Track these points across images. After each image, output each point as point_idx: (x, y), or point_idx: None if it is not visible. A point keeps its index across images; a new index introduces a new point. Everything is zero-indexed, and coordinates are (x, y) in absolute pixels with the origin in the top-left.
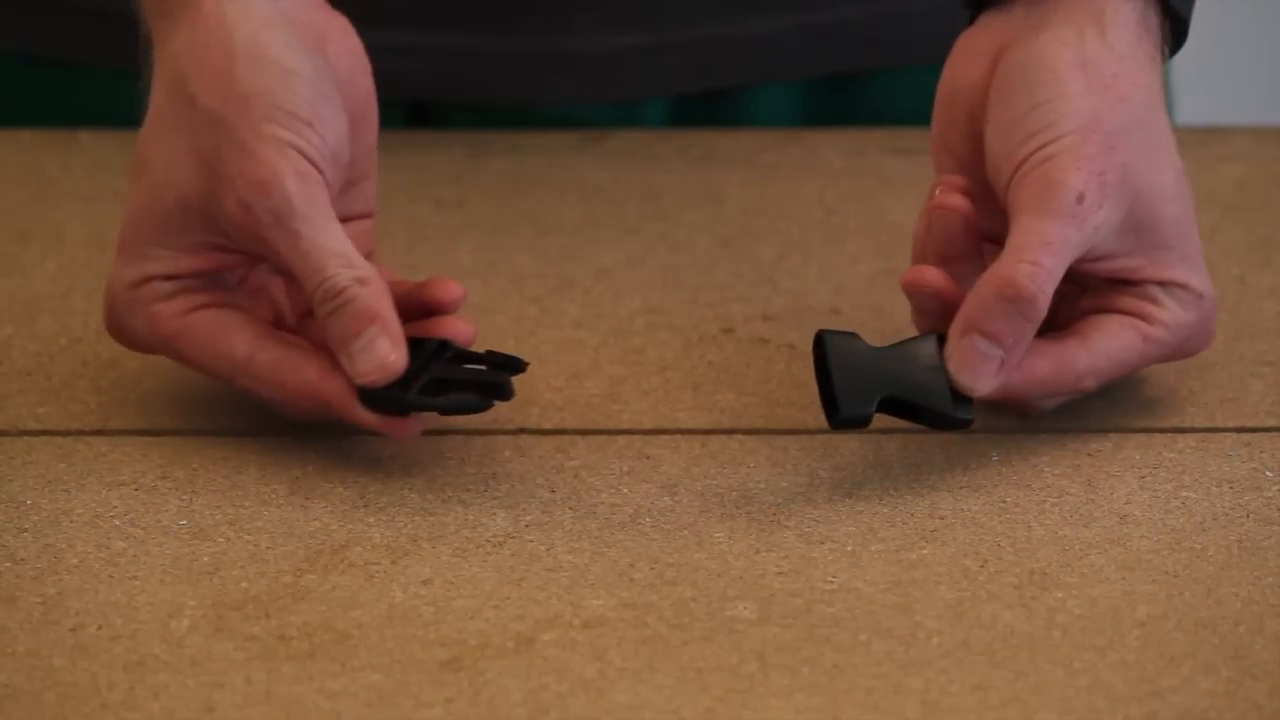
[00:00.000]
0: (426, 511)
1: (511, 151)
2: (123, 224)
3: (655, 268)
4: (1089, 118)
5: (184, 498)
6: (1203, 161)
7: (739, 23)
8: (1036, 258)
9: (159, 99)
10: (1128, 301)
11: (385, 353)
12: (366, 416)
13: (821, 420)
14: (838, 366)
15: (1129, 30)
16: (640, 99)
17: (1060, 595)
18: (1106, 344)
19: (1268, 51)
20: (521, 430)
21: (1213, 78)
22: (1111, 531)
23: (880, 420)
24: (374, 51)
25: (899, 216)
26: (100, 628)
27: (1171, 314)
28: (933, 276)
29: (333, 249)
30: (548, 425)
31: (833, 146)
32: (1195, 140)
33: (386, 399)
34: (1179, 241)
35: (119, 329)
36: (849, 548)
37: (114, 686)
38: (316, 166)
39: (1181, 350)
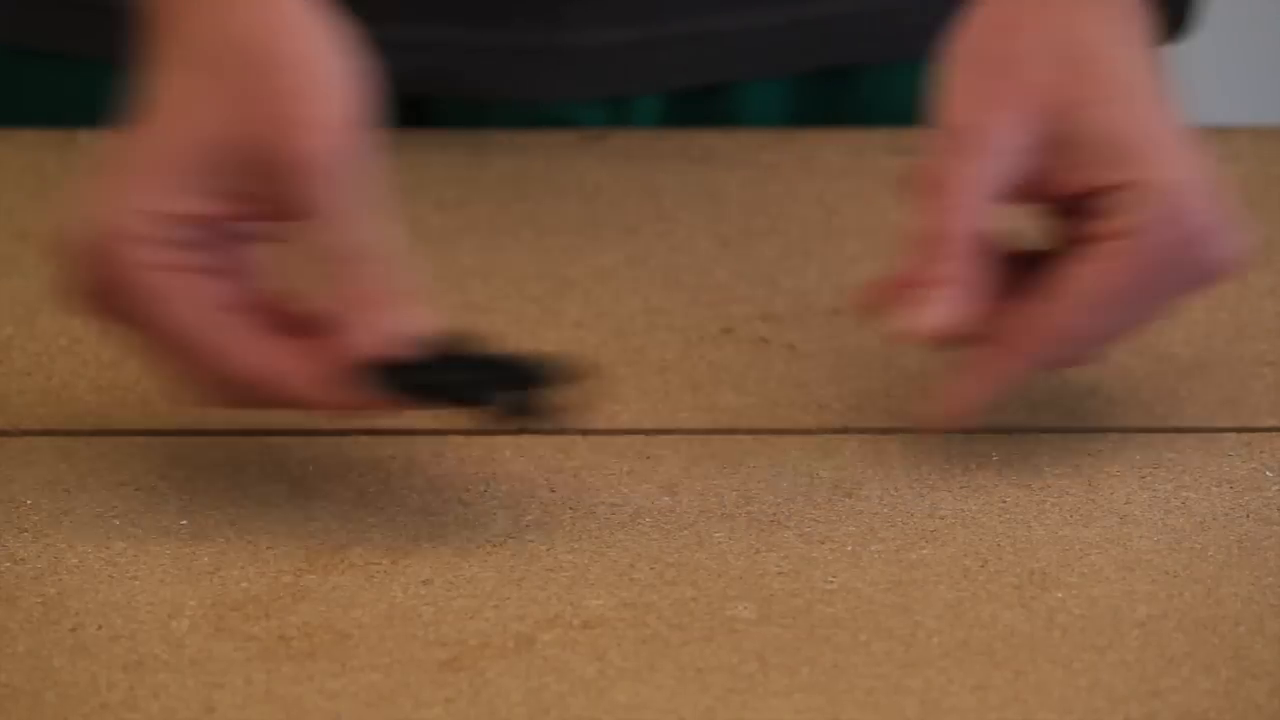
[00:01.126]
0: (426, 511)
1: (511, 151)
2: (130, 150)
3: (655, 268)
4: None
5: (184, 498)
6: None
7: (731, 17)
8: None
9: (199, 43)
10: (1086, 230)
11: (409, 323)
12: (318, 396)
13: (822, 420)
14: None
15: None
16: (632, 94)
17: (1060, 595)
18: (1075, 286)
19: (1268, 51)
20: (522, 430)
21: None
22: (1111, 531)
23: (880, 420)
24: (364, 46)
25: (899, 216)
26: (100, 628)
27: (1126, 218)
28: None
29: (367, 211)
30: (547, 425)
31: (833, 146)
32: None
33: (403, 375)
34: (1122, 141)
35: (79, 247)
36: (849, 548)
37: (114, 686)
38: (353, 143)
39: (1177, 255)
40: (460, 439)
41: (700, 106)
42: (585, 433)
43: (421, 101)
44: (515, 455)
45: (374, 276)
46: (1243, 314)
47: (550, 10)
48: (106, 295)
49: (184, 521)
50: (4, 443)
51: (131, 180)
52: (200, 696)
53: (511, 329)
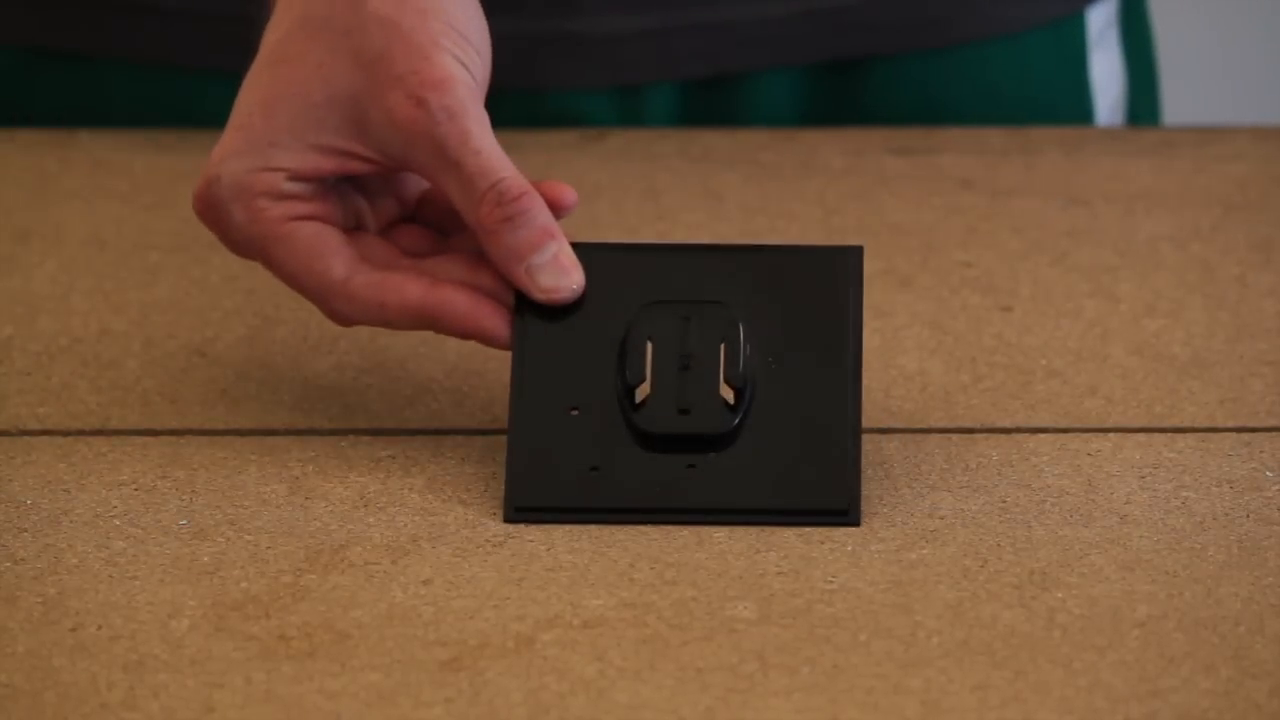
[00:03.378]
0: (426, 511)
1: (511, 151)
2: (245, 108)
3: None
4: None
5: (184, 498)
6: (1202, 161)
7: (743, 6)
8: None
9: (307, 4)
10: None
11: (570, 268)
12: (490, 324)
13: None
14: None
15: None
16: (643, 82)
17: (1060, 595)
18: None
19: (1268, 51)
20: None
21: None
22: (1111, 531)
23: (880, 420)
24: None
25: (899, 216)
26: (100, 628)
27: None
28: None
29: (500, 153)
30: None
31: (833, 146)
32: (1195, 140)
33: None
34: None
35: (213, 213)
36: (849, 548)
37: (114, 686)
38: (478, 86)
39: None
40: (460, 439)
41: (712, 96)
42: None
43: None
44: None
45: (528, 224)
46: (1243, 314)
47: None
48: (246, 243)
49: (184, 521)
50: (4, 443)
51: (246, 131)
52: (200, 696)
53: None
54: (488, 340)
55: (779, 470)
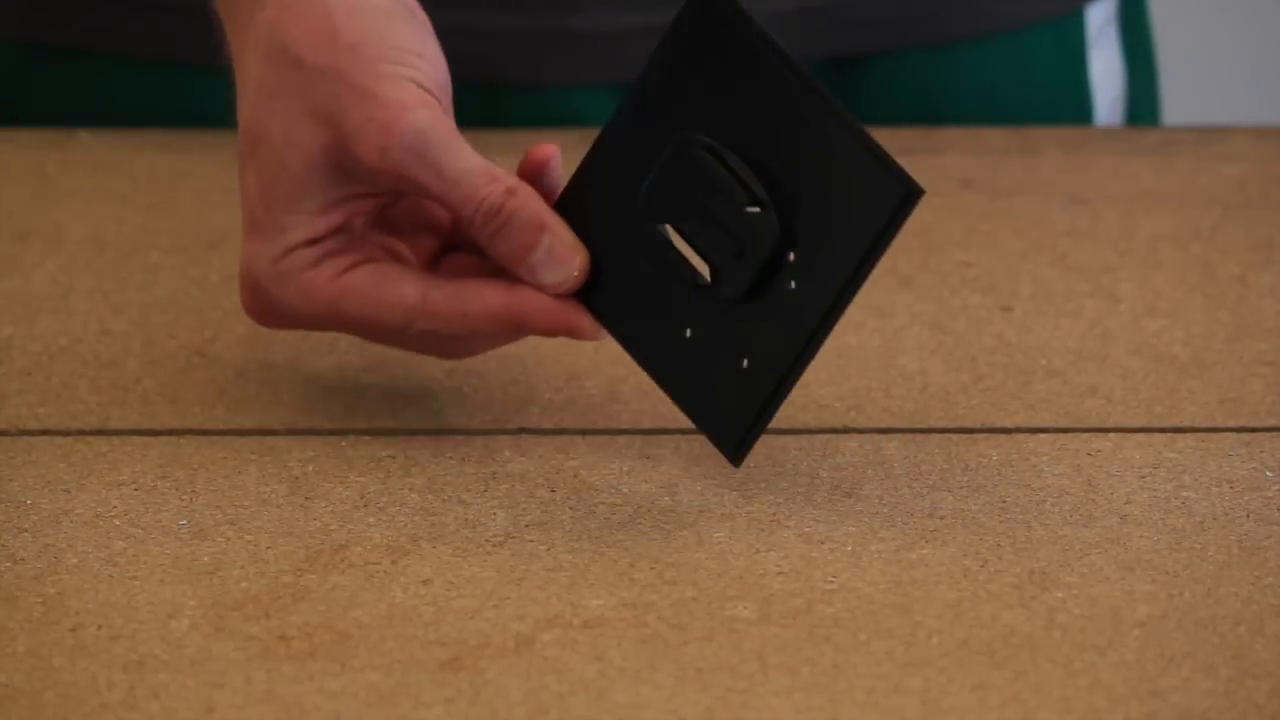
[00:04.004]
0: (426, 511)
1: (511, 151)
2: (248, 203)
3: None
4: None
5: (184, 498)
6: (1202, 161)
7: (744, 3)
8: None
9: (258, 72)
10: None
11: (566, 256)
12: (575, 317)
13: (822, 420)
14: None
15: None
16: None
17: (1060, 595)
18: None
19: (1268, 51)
20: (521, 430)
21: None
22: (1111, 531)
23: (880, 420)
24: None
25: None
26: (100, 628)
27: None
28: None
29: (474, 168)
30: (548, 425)
31: None
32: (1195, 140)
33: None
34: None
35: (270, 311)
36: (849, 548)
37: (114, 686)
38: (434, 95)
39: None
40: (460, 439)
41: None
42: (585, 433)
43: None
44: (515, 455)
45: (515, 228)
46: (1243, 314)
47: None
48: (314, 318)
49: (184, 521)
50: (4, 443)
51: (255, 228)
52: (200, 696)
53: None
54: (577, 333)
55: (707, 378)
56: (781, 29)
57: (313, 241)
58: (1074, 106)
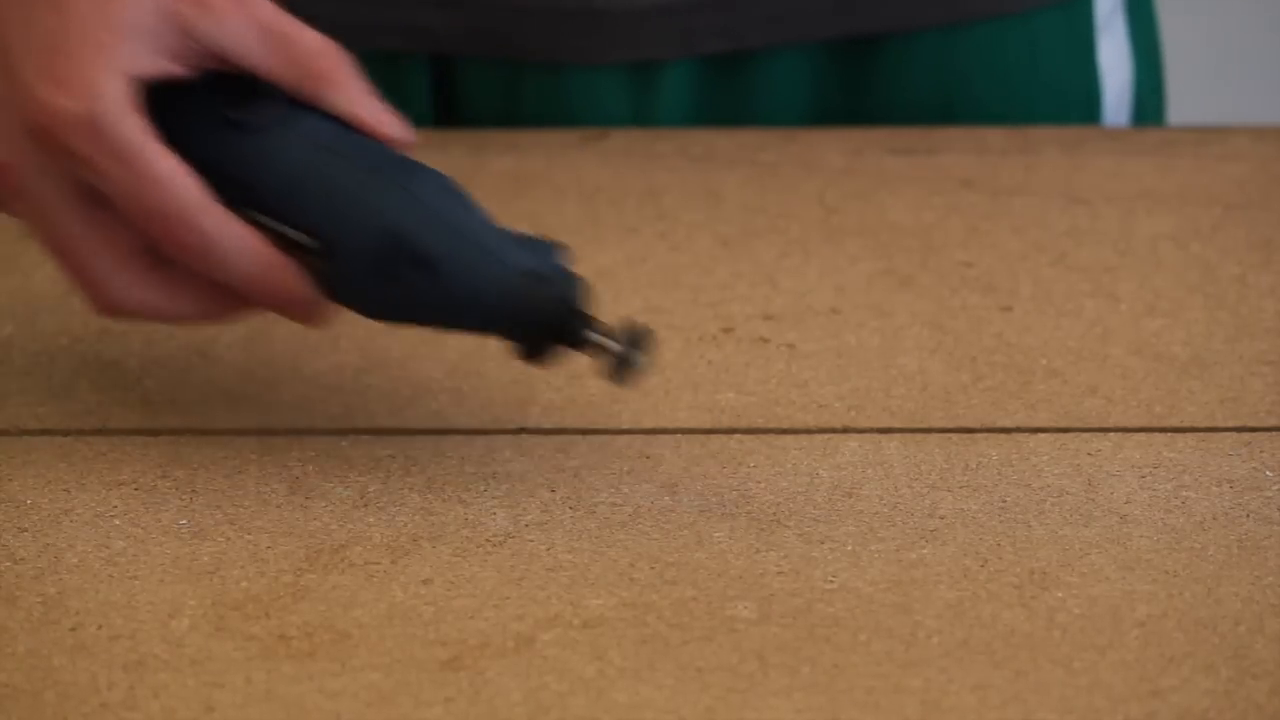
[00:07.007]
0: (426, 511)
1: (511, 151)
2: (77, 28)
3: (655, 267)
4: None
5: (184, 498)
6: (1203, 161)
7: None
8: None
9: None
10: None
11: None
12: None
13: (822, 420)
14: None
15: None
16: (663, 59)
17: (1060, 595)
18: None
19: (1268, 51)
20: (521, 430)
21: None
22: (1111, 531)
23: (880, 420)
24: (398, 4)
25: (899, 216)
26: (100, 627)
27: None
28: None
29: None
30: (548, 425)
31: (832, 146)
32: (1195, 140)
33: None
34: None
35: (70, 123)
36: (849, 548)
37: (114, 686)
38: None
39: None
40: (460, 438)
41: (728, 75)
42: (585, 432)
43: (451, 64)
44: (515, 455)
45: None
46: (1243, 314)
47: None
48: (101, 167)
49: (184, 521)
50: (4, 443)
51: (102, 46)
52: (200, 696)
53: None
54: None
55: None
56: (797, 9)
57: (143, 83)
58: (1083, 95)
